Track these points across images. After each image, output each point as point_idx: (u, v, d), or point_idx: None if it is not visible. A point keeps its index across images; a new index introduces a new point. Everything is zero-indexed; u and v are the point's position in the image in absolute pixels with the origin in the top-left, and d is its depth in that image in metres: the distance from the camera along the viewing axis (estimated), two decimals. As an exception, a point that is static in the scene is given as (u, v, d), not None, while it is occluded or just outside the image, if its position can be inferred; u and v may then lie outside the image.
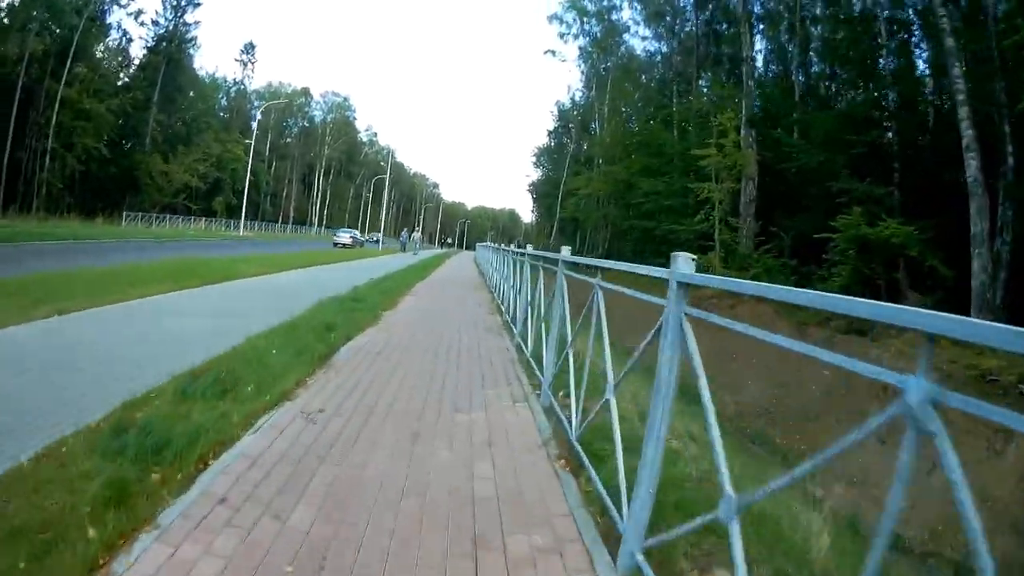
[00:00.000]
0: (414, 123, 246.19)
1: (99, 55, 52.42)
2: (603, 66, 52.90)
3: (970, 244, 19.24)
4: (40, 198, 44.55)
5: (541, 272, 7.62)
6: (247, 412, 4.56)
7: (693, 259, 2.74)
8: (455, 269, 32.32)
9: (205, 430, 4.01)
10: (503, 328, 10.83)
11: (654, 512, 2.83)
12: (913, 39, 28.08)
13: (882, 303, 1.53)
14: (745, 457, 8.43)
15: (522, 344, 8.30)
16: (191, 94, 65.65)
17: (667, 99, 42.18)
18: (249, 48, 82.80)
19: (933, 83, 26.82)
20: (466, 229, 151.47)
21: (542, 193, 72.00)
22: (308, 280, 16.22)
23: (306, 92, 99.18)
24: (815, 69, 34.34)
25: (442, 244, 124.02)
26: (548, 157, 72.68)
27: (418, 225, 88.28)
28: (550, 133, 71.95)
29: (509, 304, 11.55)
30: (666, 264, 2.84)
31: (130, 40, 56.24)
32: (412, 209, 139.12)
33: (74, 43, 45.77)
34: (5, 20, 43.07)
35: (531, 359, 7.25)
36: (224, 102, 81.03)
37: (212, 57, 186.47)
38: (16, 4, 42.98)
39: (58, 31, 46.18)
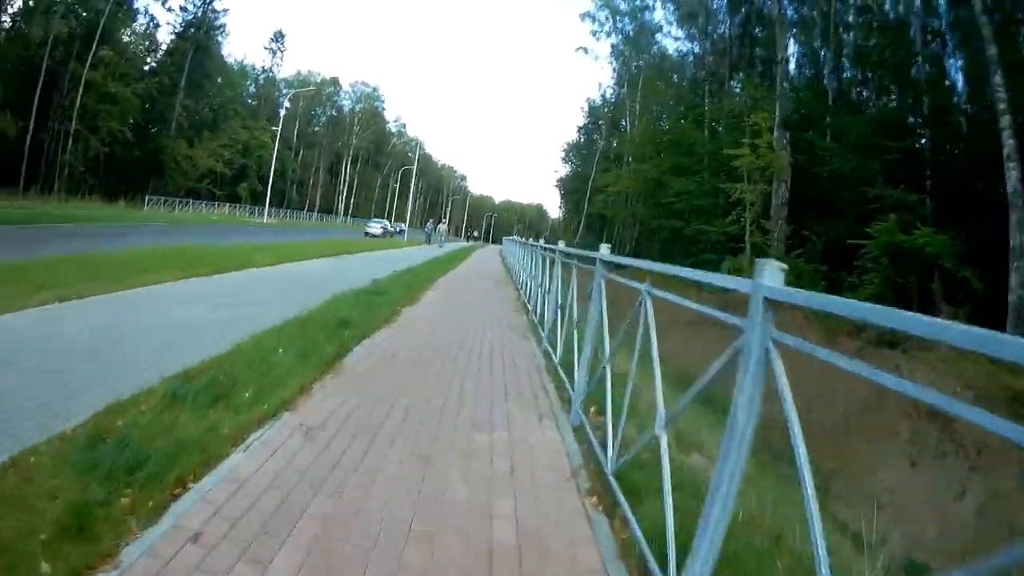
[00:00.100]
0: (444, 116, 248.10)
1: (126, 39, 52.54)
2: (635, 64, 52.83)
3: (1008, 257, 18.67)
4: (62, 179, 44.70)
5: (574, 271, 7.00)
6: (240, 424, 4.04)
7: (784, 269, 2.16)
8: (481, 262, 31.91)
9: (189, 445, 3.52)
10: (529, 329, 10.23)
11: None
12: (947, 47, 27.75)
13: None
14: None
15: (550, 350, 7.64)
16: (219, 80, 65.93)
17: (699, 99, 41.80)
18: (279, 36, 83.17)
19: (968, 91, 26.45)
20: (493, 222, 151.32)
21: (570, 189, 72.01)
22: (327, 270, 15.77)
23: (335, 81, 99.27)
24: (846, 75, 34.02)
25: (468, 237, 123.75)
26: (577, 153, 72.76)
27: (444, 217, 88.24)
28: (580, 129, 72.26)
29: (536, 303, 10.94)
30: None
31: (157, 25, 56.68)
32: (439, 201, 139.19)
33: (100, 26, 45.86)
34: (31, 2, 43.14)
35: (559, 367, 6.61)
36: (252, 89, 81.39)
37: (241, 45, 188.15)
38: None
39: (84, 14, 46.29)
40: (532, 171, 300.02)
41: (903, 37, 27.84)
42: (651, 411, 5.43)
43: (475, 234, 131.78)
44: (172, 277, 10.42)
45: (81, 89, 44.86)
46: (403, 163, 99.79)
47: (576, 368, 5.36)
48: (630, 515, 3.18)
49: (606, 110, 62.40)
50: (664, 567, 2.57)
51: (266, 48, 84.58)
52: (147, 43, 56.23)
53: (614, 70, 57.48)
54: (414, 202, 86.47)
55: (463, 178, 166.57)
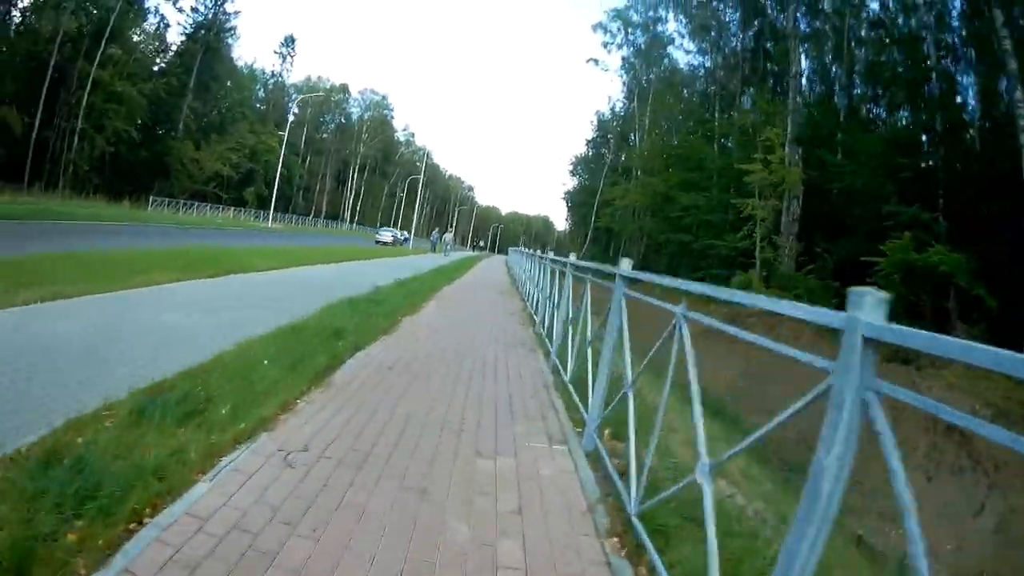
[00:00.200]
0: (453, 127, 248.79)
1: (135, 39, 52.45)
2: (645, 77, 52.92)
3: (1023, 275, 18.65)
4: (66, 177, 44.45)
5: (588, 286, 6.53)
6: (210, 446, 3.56)
7: (885, 300, 1.67)
8: (486, 272, 31.45)
9: (150, 471, 3.05)
10: (536, 342, 9.74)
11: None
12: (960, 63, 27.71)
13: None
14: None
15: (559, 365, 7.15)
16: (228, 83, 65.97)
17: (708, 113, 41.92)
18: (289, 41, 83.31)
19: (981, 109, 26.35)
20: (499, 233, 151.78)
21: (577, 202, 72.38)
22: (329, 277, 15.29)
23: (344, 88, 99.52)
24: (857, 91, 33.96)
25: (474, 247, 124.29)
26: (585, 166, 73.00)
27: (451, 227, 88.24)
28: (588, 142, 72.92)
29: (543, 315, 10.48)
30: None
31: (167, 26, 56.76)
32: (446, 211, 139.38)
33: (110, 24, 45.73)
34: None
35: (570, 385, 6.11)
36: (261, 94, 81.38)
37: (251, 48, 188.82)
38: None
39: (94, 12, 46.09)
40: (539, 183, 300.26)
41: (917, 52, 27.80)
42: (673, 440, 4.97)
43: (481, 244, 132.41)
44: (168, 279, 10.00)
45: (88, 87, 44.65)
46: (410, 172, 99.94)
47: (591, 391, 4.86)
48: (659, 564, 2.70)
49: (615, 123, 62.67)
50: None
51: (276, 52, 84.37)
52: (156, 43, 56.31)
53: (624, 83, 57.92)
54: (420, 211, 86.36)
55: (471, 189, 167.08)
